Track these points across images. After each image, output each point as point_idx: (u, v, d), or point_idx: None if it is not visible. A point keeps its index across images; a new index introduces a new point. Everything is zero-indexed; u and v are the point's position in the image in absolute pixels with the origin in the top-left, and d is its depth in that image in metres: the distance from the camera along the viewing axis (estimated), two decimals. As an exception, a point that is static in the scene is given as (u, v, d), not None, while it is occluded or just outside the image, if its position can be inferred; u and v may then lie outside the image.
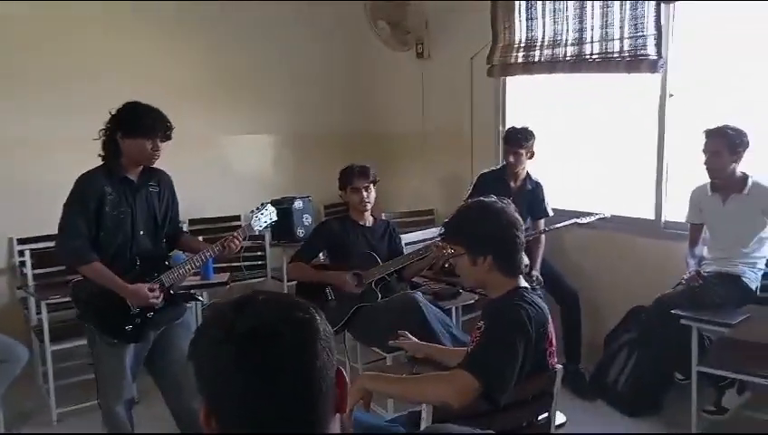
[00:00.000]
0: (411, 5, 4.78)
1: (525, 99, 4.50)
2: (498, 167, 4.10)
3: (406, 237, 3.75)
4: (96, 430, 2.74)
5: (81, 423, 3.31)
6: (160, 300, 2.64)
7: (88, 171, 2.59)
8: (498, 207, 1.94)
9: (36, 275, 3.74)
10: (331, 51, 5.35)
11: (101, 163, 2.61)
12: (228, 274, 3.89)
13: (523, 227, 2.00)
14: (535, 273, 3.68)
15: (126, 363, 2.65)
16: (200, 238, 3.55)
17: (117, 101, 2.61)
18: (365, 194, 3.38)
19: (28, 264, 3.73)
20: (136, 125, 2.53)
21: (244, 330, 0.88)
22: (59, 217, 2.56)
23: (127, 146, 2.56)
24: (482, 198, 2.03)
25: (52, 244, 2.75)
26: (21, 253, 3.95)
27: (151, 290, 2.60)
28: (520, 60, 4.21)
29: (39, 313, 3.50)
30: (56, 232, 2.58)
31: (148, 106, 2.59)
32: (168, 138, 2.62)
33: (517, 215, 1.96)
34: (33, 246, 3.88)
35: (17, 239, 4.10)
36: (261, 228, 2.90)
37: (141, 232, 2.66)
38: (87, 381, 3.14)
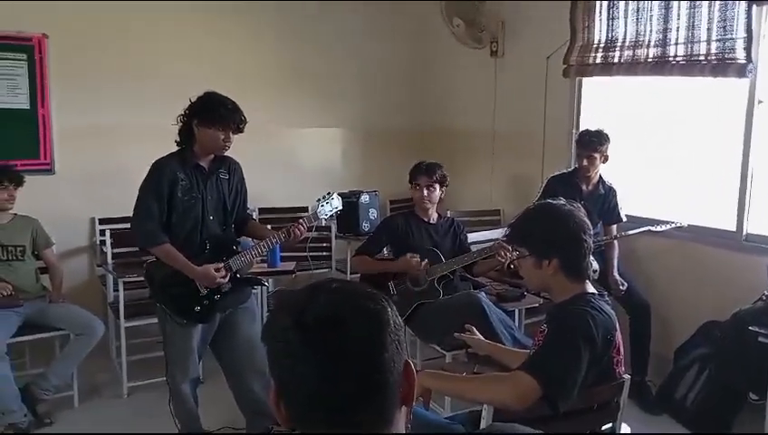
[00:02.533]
0: (487, 4, 4.72)
1: (601, 101, 4.37)
2: (569, 170, 4.00)
3: (470, 237, 3.72)
4: (163, 405, 2.84)
5: (149, 397, 3.45)
6: (227, 281, 2.72)
7: (162, 157, 2.69)
8: (566, 210, 1.89)
9: (115, 254, 3.93)
10: (404, 47, 5.36)
11: (176, 150, 2.72)
12: (294, 263, 3.97)
13: (593, 232, 1.95)
14: (618, 277, 3.61)
15: (194, 343, 2.75)
16: (268, 226, 3.64)
17: (190, 92, 2.70)
18: (426, 192, 3.38)
19: (108, 243, 3.92)
20: (212, 115, 2.62)
21: (313, 317, 0.89)
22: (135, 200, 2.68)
23: (201, 134, 2.65)
24: (549, 201, 1.99)
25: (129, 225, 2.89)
26: (102, 232, 4.15)
27: (217, 270, 2.68)
28: (598, 60, 4.09)
29: (116, 290, 3.67)
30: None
31: (225, 98, 2.67)
32: (241, 131, 2.70)
33: (586, 218, 1.91)
34: (114, 226, 4.07)
35: (99, 219, 4.31)
36: (326, 216, 2.92)
37: (211, 217, 2.75)
38: (157, 357, 3.27)
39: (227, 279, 2.72)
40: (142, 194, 2.67)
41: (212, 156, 2.75)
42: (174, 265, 2.65)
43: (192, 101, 2.67)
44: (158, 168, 2.67)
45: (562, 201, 1.95)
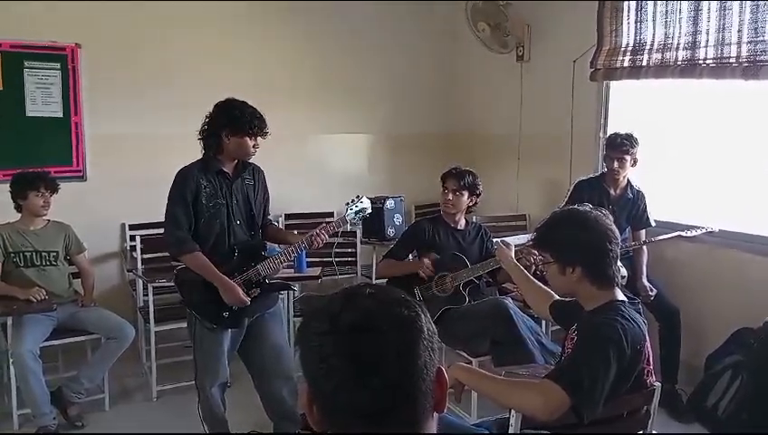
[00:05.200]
0: (512, 7, 4.71)
1: (630, 105, 4.32)
2: (596, 174, 3.96)
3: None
4: (192, 408, 2.88)
5: (178, 401, 3.50)
6: (248, 301, 2.74)
7: (185, 166, 2.74)
8: (591, 217, 1.88)
9: (145, 260, 3.99)
10: (429, 52, 5.36)
11: (199, 157, 2.76)
12: (320, 268, 3.99)
13: (620, 238, 1.93)
14: (646, 283, 3.57)
15: (223, 348, 2.78)
16: (294, 232, 3.66)
17: (217, 98, 2.74)
18: (451, 196, 3.38)
19: (138, 248, 3.98)
20: (243, 125, 2.65)
21: (347, 323, 0.90)
22: (164, 206, 2.73)
23: (231, 143, 2.69)
24: (575, 207, 1.97)
25: (160, 230, 2.93)
26: (132, 238, 4.22)
27: (245, 295, 2.71)
28: (626, 64, 4.04)
29: (146, 294, 3.73)
30: (163, 220, 2.75)
31: (248, 105, 2.71)
32: (266, 135, 2.74)
33: (613, 226, 1.89)
34: (144, 232, 4.13)
35: (129, 225, 4.38)
36: (353, 218, 2.95)
37: (238, 222, 2.78)
38: (185, 361, 3.32)
39: (249, 300, 2.74)
40: (169, 203, 2.71)
41: (236, 161, 2.79)
42: (204, 275, 2.68)
43: (213, 108, 2.71)
44: (181, 176, 2.71)
45: (588, 207, 1.93)
